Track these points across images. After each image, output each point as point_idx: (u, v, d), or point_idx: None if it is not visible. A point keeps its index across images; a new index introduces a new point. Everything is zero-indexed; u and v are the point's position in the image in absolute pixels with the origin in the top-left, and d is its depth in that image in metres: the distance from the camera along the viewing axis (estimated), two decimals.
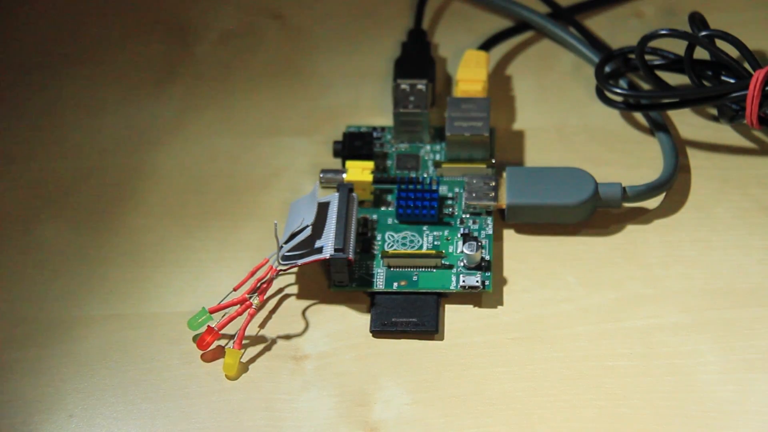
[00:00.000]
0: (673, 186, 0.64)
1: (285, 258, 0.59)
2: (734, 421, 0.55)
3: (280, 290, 0.60)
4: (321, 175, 0.63)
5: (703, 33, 0.63)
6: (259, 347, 0.58)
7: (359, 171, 0.63)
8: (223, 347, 0.58)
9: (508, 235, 0.62)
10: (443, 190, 0.63)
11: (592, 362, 0.57)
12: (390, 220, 0.62)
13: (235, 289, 0.59)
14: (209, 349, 0.58)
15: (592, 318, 0.59)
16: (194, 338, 0.58)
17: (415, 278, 0.60)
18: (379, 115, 0.67)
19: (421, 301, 0.59)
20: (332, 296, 0.60)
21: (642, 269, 0.60)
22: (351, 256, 0.59)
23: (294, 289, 0.61)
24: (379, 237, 0.62)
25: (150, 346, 0.58)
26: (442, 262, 0.60)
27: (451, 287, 0.59)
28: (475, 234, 0.61)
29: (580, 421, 0.55)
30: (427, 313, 0.59)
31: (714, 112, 0.66)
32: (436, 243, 0.61)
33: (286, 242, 0.59)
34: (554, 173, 0.62)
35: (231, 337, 0.58)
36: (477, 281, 0.59)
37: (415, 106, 0.65)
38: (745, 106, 0.62)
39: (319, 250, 0.59)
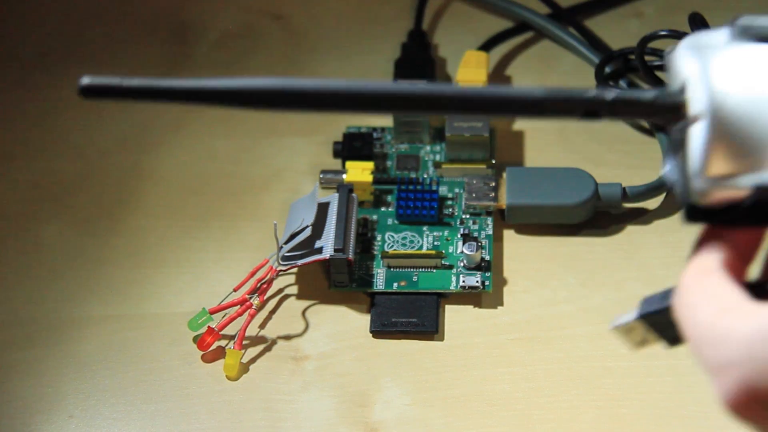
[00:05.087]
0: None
1: (285, 258, 0.59)
2: (733, 421, 0.55)
3: (280, 291, 0.60)
4: (321, 176, 0.63)
5: None
6: (260, 348, 0.58)
7: (359, 171, 0.63)
8: (224, 348, 0.58)
9: (508, 235, 0.62)
10: (443, 190, 0.63)
11: (592, 363, 0.57)
12: (390, 221, 0.62)
13: (235, 290, 0.59)
14: (210, 349, 0.58)
15: (592, 318, 0.59)
16: (194, 339, 0.58)
17: (415, 278, 0.60)
18: (379, 116, 0.67)
19: (421, 301, 0.59)
20: (332, 296, 0.60)
21: (642, 270, 0.60)
22: (351, 256, 0.59)
23: (294, 290, 0.61)
24: (379, 237, 0.62)
25: (150, 347, 0.58)
26: (442, 262, 0.60)
27: (451, 287, 0.59)
28: (475, 234, 0.62)
29: (580, 422, 0.55)
30: (427, 313, 0.59)
31: None
32: (436, 243, 0.61)
33: (286, 242, 0.59)
34: (554, 173, 0.62)
35: (231, 337, 0.58)
36: (477, 281, 0.59)
37: None
38: None
39: (319, 250, 0.59)
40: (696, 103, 0.41)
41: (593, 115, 0.42)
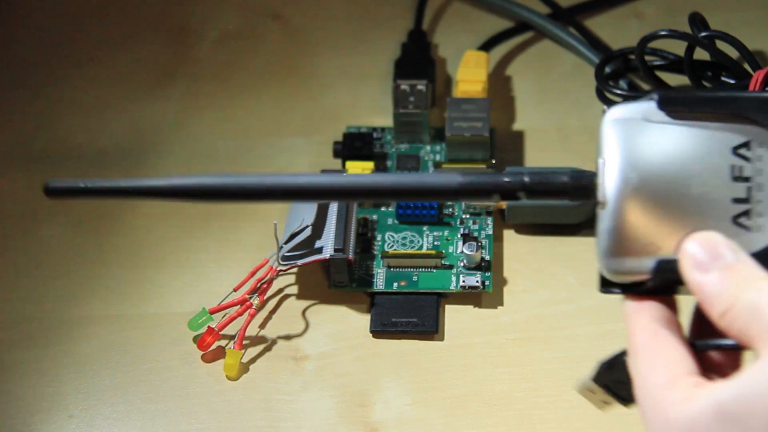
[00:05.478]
0: None
1: (285, 258, 0.59)
2: None
3: (280, 290, 0.60)
4: None
5: (703, 34, 0.63)
6: (260, 348, 0.58)
7: (359, 171, 0.63)
8: (224, 348, 0.58)
9: (508, 235, 0.62)
10: None
11: (592, 363, 0.57)
12: (390, 221, 0.62)
13: (235, 290, 0.59)
14: (210, 349, 0.58)
15: (593, 318, 0.59)
16: (195, 339, 0.58)
17: (415, 278, 0.60)
18: (379, 116, 0.67)
19: (421, 301, 0.59)
20: (332, 296, 0.60)
21: None
22: (351, 256, 0.59)
23: (294, 290, 0.61)
24: (379, 237, 0.62)
25: (150, 347, 0.58)
26: (442, 262, 0.60)
27: (451, 287, 0.59)
28: (475, 234, 0.62)
29: (580, 422, 0.55)
30: (427, 313, 0.59)
31: None
32: (436, 243, 0.61)
33: (286, 242, 0.59)
34: None
35: (231, 337, 0.58)
36: (477, 281, 0.59)
37: (415, 107, 0.65)
38: None
39: (319, 250, 0.59)
40: (606, 188, 0.44)
41: (511, 198, 0.45)
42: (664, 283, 0.44)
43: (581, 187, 0.45)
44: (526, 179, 0.45)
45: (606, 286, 0.45)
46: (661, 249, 0.43)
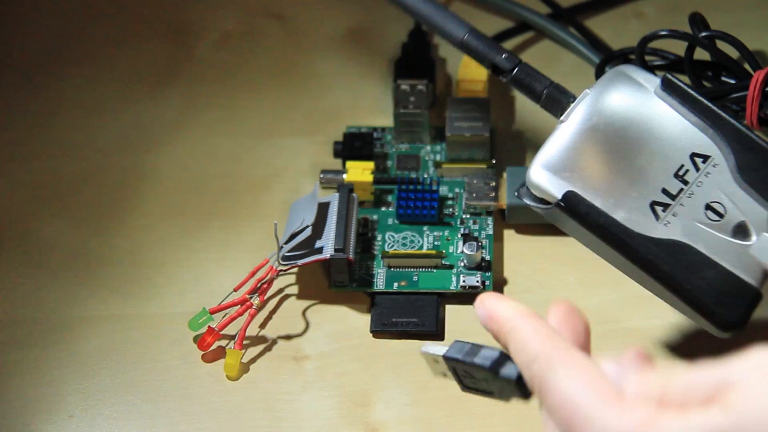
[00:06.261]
0: None
1: (285, 258, 0.59)
2: None
3: (281, 290, 0.60)
4: (321, 176, 0.63)
5: (704, 34, 0.63)
6: (260, 347, 0.58)
7: (359, 171, 0.63)
8: (224, 348, 0.58)
9: (509, 235, 0.62)
10: (443, 190, 0.63)
11: None
12: (390, 221, 0.62)
13: (235, 290, 0.59)
14: (210, 349, 0.58)
15: (593, 318, 0.58)
16: (195, 339, 0.58)
17: (415, 278, 0.60)
18: (380, 116, 0.67)
19: (421, 301, 0.59)
20: (332, 296, 0.60)
21: None
22: (351, 256, 0.59)
23: (294, 290, 0.61)
24: (379, 237, 0.62)
25: (150, 347, 0.58)
26: (443, 262, 0.60)
27: (452, 287, 0.59)
28: (476, 234, 0.61)
29: None
30: (428, 313, 0.59)
31: None
32: (436, 243, 0.61)
33: (287, 242, 0.59)
34: None
35: (232, 337, 0.58)
36: (477, 281, 0.59)
37: (415, 107, 0.65)
38: (745, 107, 0.62)
39: (320, 250, 0.59)
40: (573, 113, 0.50)
41: (497, 73, 0.54)
42: (554, 216, 0.51)
43: (556, 99, 0.52)
44: (517, 68, 0.53)
45: (520, 192, 0.52)
46: (579, 183, 0.49)
